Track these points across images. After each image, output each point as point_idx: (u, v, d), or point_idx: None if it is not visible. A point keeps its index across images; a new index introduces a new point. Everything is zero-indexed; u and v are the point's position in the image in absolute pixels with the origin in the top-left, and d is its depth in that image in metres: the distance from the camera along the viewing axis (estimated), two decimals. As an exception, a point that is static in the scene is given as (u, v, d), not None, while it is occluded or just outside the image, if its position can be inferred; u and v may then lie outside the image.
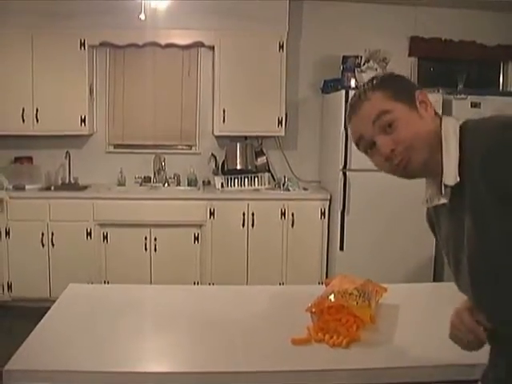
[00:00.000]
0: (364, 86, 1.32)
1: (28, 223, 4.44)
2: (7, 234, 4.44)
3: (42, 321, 1.79)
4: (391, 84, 1.30)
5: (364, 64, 4.57)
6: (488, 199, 1.14)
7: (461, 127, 1.23)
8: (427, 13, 5.06)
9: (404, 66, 5.05)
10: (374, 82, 1.31)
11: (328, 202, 4.69)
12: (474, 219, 1.18)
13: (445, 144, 1.22)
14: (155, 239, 4.57)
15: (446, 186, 1.23)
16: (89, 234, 4.50)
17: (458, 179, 1.20)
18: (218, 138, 5.06)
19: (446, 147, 1.22)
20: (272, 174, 5.07)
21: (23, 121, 4.61)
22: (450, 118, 1.28)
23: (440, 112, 1.31)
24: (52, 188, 4.82)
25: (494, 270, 1.18)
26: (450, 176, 1.21)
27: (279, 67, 4.77)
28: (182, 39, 4.81)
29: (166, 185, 4.97)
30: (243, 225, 4.60)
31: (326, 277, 4.58)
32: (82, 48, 4.64)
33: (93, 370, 1.48)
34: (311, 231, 4.68)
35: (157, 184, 4.97)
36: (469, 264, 1.22)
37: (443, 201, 1.26)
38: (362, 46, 4.61)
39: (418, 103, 1.26)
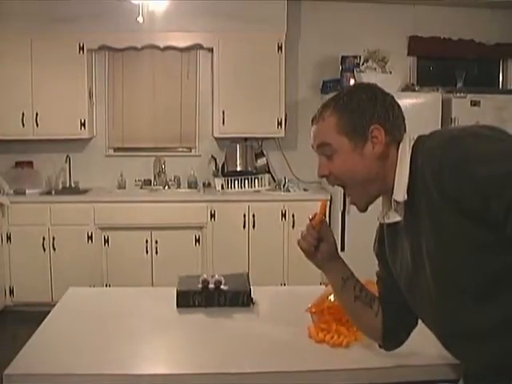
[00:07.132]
0: (333, 98, 1.33)
1: (29, 228, 4.44)
2: (8, 238, 4.44)
3: (42, 325, 1.79)
4: (350, 111, 1.29)
5: (363, 64, 4.57)
6: (445, 212, 1.15)
7: (413, 145, 1.25)
8: (426, 12, 5.06)
9: (403, 65, 5.06)
10: (339, 100, 1.31)
11: (328, 203, 4.68)
12: (433, 234, 1.19)
13: (399, 164, 1.26)
14: (156, 242, 4.57)
15: (397, 202, 1.26)
16: (90, 237, 4.50)
17: (406, 197, 1.23)
18: (217, 139, 5.06)
19: (399, 166, 1.25)
20: (272, 175, 5.07)
21: (23, 125, 4.62)
22: (406, 137, 1.29)
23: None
24: (53, 192, 4.83)
25: (458, 279, 1.19)
26: (400, 192, 1.24)
27: (278, 68, 4.77)
28: (181, 41, 4.81)
29: (167, 187, 4.97)
30: (244, 226, 4.59)
31: (328, 277, 4.56)
32: (81, 52, 4.65)
33: (93, 372, 1.48)
34: (312, 232, 4.66)
35: (157, 187, 4.97)
36: (434, 277, 1.23)
37: (398, 218, 1.29)
38: (360, 46, 4.61)
39: (370, 137, 1.28)
